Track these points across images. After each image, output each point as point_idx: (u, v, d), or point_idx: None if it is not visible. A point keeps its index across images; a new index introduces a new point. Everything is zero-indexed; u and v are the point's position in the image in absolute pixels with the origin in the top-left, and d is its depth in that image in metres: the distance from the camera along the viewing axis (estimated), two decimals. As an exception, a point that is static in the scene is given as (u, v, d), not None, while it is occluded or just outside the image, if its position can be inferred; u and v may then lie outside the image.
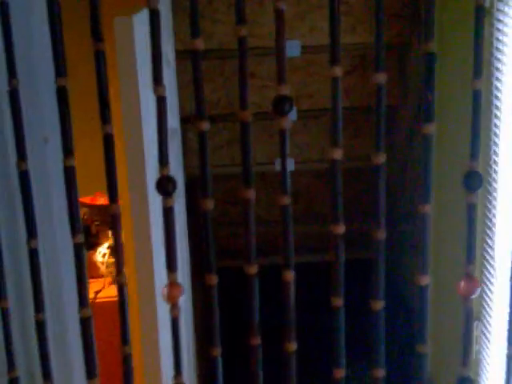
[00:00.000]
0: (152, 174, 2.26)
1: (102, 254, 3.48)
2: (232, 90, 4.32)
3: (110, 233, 3.50)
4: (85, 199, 3.49)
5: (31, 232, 1.19)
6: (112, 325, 2.79)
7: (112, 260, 3.42)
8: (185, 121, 4.01)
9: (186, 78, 4.54)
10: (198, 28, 1.04)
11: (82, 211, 3.53)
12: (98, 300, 3.28)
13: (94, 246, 3.50)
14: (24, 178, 1.17)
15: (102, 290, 3.36)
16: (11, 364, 1.23)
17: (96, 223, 3.58)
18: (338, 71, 1.03)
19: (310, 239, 4.60)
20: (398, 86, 4.23)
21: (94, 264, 3.42)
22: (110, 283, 3.41)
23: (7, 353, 1.23)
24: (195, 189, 4.15)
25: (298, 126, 4.32)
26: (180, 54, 3.70)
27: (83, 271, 1.19)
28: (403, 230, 4.19)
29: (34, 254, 1.20)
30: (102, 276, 3.44)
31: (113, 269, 3.37)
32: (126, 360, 1.18)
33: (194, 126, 1.11)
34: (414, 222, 4.05)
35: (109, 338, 2.97)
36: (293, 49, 3.86)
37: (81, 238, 1.16)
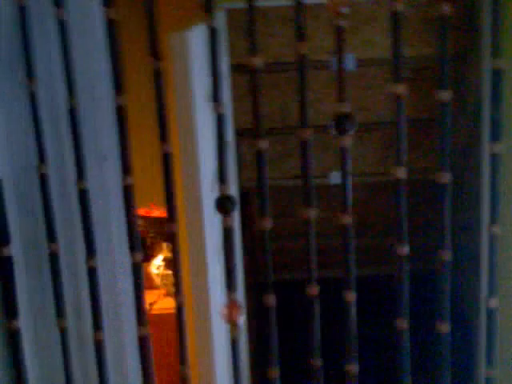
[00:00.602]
0: (207, 190, 2.26)
1: (156, 266, 3.48)
2: (286, 103, 4.32)
3: (164, 245, 3.51)
4: (140, 211, 3.50)
5: (90, 251, 1.19)
6: (166, 336, 2.80)
7: (166, 272, 3.43)
8: (238, 134, 4.01)
9: (240, 92, 4.57)
10: (256, 45, 1.03)
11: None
12: (152, 312, 3.29)
13: (148, 257, 3.51)
14: (83, 196, 1.18)
15: (157, 302, 3.37)
16: (70, 382, 1.24)
17: (151, 235, 3.59)
18: (402, 89, 1.01)
19: (361, 252, 4.55)
20: (453, 97, 4.16)
21: (148, 276, 3.43)
22: (165, 295, 3.41)
23: (65, 372, 1.23)
24: (248, 201, 4.15)
25: (353, 139, 4.28)
26: (234, 68, 3.71)
27: (141, 289, 1.18)
28: (458, 242, 4.11)
29: (92, 273, 1.20)
30: (156, 288, 3.44)
31: (167, 281, 3.38)
32: (184, 381, 1.17)
33: (252, 144, 1.09)
34: (470, 235, 3.98)
35: (162, 349, 2.98)
36: (348, 63, 3.84)
37: (139, 257, 1.15)
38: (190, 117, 2.15)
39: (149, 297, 3.37)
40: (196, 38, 2.20)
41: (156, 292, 3.44)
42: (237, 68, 3.99)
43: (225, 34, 3.39)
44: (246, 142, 4.14)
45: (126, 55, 1.16)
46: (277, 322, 1.12)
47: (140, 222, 3.53)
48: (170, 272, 3.29)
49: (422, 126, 4.18)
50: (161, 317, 3.24)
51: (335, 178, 4.16)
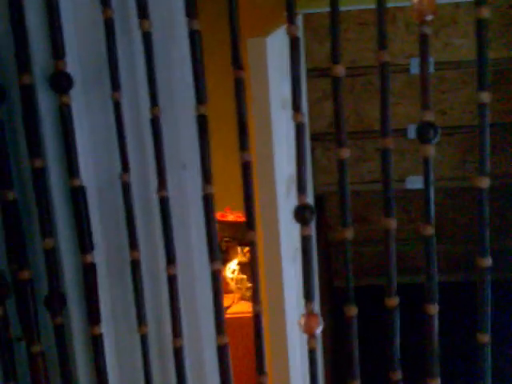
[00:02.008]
0: (283, 195, 2.26)
1: (231, 270, 3.50)
2: (361, 107, 4.29)
3: (239, 249, 3.53)
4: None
5: (170, 258, 1.21)
6: (240, 340, 2.81)
7: (241, 276, 3.44)
8: (313, 138, 4.00)
9: (314, 96, 4.56)
10: (340, 54, 1.02)
11: (212, 228, 3.57)
12: (227, 316, 3.31)
13: (223, 261, 3.53)
14: (164, 204, 1.19)
15: (232, 306, 3.39)
16: (150, 388, 1.25)
17: (226, 239, 3.62)
18: (486, 97, 0.98)
19: (438, 259, 4.47)
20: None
21: (223, 280, 3.45)
22: (239, 299, 3.43)
23: (146, 378, 1.24)
24: (322, 206, 4.13)
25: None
26: (308, 72, 3.71)
27: (220, 298, 1.19)
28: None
29: (172, 280, 1.21)
30: (231, 292, 3.46)
31: (242, 285, 3.40)
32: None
33: (328, 148, 1.09)
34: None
35: (236, 353, 2.99)
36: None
37: (218, 265, 1.16)
38: (266, 123, 2.16)
39: (224, 301, 3.39)
40: (274, 45, 2.21)
41: (231, 296, 3.46)
42: (312, 72, 3.99)
43: (302, 38, 3.39)
44: (321, 147, 4.14)
45: (209, 63, 1.17)
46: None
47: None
48: (244, 276, 3.31)
49: (501, 130, 4.09)
50: (235, 321, 3.25)
51: (411, 182, 4.12)
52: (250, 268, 1.14)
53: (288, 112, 2.08)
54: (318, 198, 3.87)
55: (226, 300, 3.41)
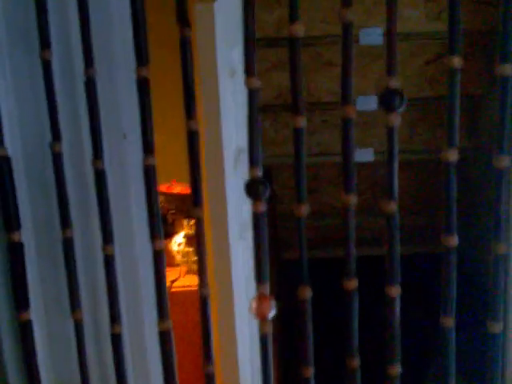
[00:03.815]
0: (230, 168, 2.18)
1: (177, 243, 3.43)
2: (310, 79, 4.20)
3: (185, 222, 3.46)
4: (161, 187, 3.44)
5: (107, 237, 1.09)
6: (186, 314, 2.74)
7: (187, 249, 3.38)
8: (261, 109, 3.91)
9: (263, 66, 4.44)
10: (297, 12, 0.92)
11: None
12: (173, 289, 3.24)
13: (169, 234, 3.46)
14: (100, 177, 1.07)
15: (178, 279, 3.32)
16: (85, 379, 1.14)
17: (172, 211, 3.55)
18: (457, 62, 0.90)
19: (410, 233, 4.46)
20: (484, 73, 4.04)
21: (169, 253, 3.38)
22: (186, 272, 3.37)
23: (80, 366, 1.14)
24: (270, 178, 4.05)
25: (381, 116, 4.18)
26: (257, 42, 3.60)
27: (163, 280, 1.08)
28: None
29: (109, 261, 1.09)
30: (177, 265, 3.40)
31: (188, 258, 3.34)
32: (209, 378, 1.07)
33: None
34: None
35: (182, 326, 2.91)
36: (375, 37, 3.73)
37: (161, 245, 1.05)
38: (214, 92, 2.08)
39: (170, 274, 3.32)
40: (221, 11, 2.12)
41: (177, 269, 3.39)
42: (260, 42, 3.88)
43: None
44: (268, 118, 4.05)
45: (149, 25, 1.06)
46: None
47: (161, 198, 3.47)
48: (190, 249, 3.25)
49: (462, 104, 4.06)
50: (182, 294, 3.19)
51: (359, 155, 4.06)
52: (196, 242, 1.03)
53: (235, 81, 1.97)
54: (266, 170, 3.79)
55: (173, 273, 3.34)
